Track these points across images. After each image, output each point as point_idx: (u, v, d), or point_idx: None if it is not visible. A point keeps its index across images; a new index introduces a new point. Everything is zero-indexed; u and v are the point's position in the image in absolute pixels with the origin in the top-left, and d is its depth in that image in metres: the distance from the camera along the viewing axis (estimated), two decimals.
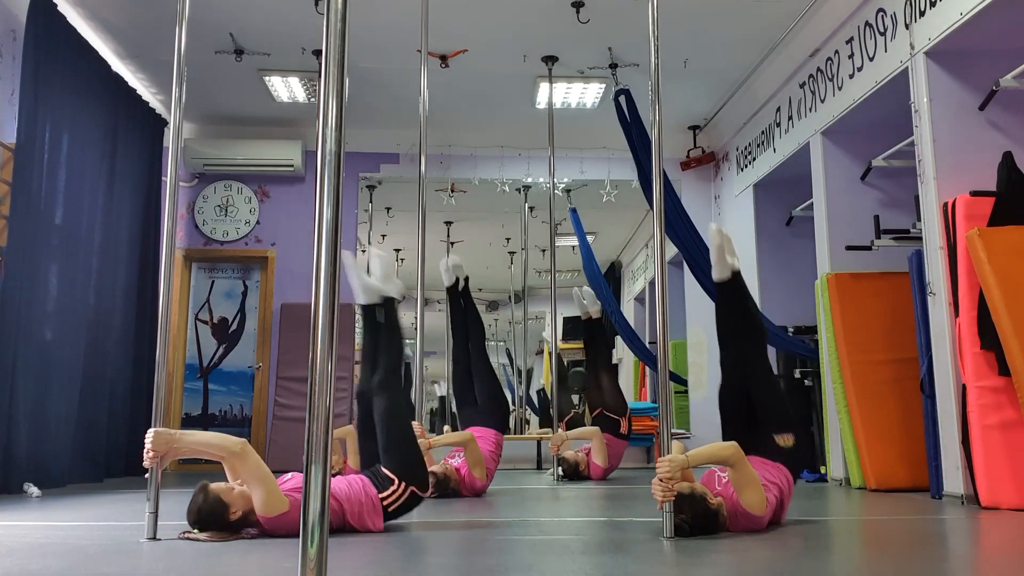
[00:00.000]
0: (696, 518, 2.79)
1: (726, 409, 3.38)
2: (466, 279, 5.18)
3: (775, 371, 6.25)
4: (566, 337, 11.55)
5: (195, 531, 2.74)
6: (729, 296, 3.41)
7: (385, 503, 3.01)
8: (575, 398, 9.70)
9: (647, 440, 7.30)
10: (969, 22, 4.02)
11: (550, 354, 8.79)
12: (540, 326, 13.26)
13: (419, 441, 4.30)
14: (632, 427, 6.28)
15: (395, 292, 3.40)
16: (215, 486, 2.77)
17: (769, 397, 3.28)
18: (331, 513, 2.84)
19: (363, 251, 8.99)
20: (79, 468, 5.26)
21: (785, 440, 3.18)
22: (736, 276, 3.39)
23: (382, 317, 3.32)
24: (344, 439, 5.61)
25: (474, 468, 4.54)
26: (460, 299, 5.17)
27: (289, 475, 2.93)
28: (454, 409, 5.41)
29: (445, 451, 4.85)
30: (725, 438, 3.32)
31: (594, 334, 6.43)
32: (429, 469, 4.44)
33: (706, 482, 3.02)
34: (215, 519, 2.72)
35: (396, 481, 3.04)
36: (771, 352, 6.33)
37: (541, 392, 10.43)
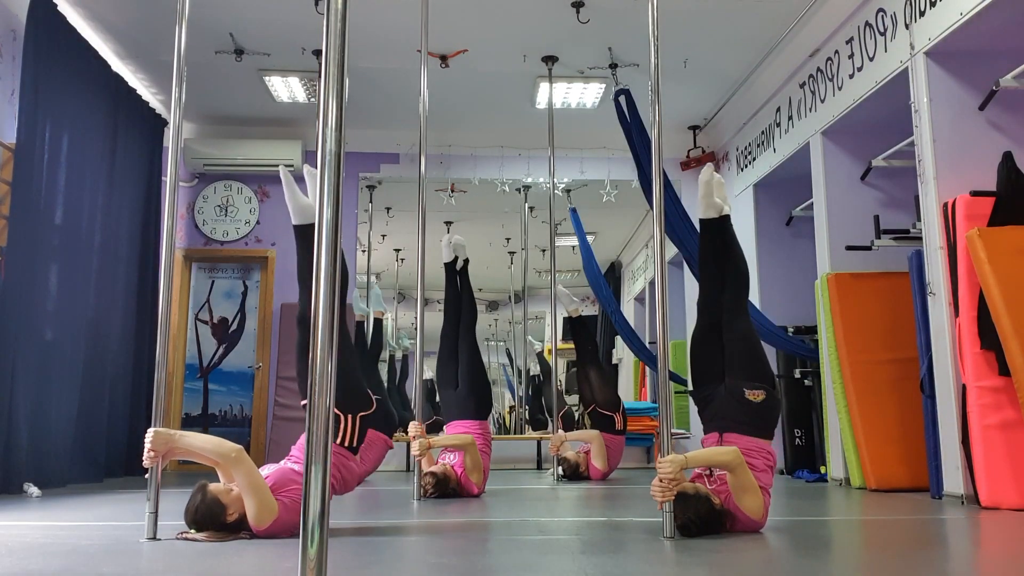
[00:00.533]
0: (701, 518, 2.80)
1: (697, 354, 3.28)
2: (466, 261, 5.12)
3: (776, 377, 6.26)
4: (565, 337, 11.55)
5: (192, 531, 2.73)
6: (713, 235, 3.33)
7: (345, 444, 3.02)
8: (572, 398, 9.68)
9: (647, 440, 7.30)
10: (969, 22, 4.02)
11: (549, 351, 8.79)
12: (540, 326, 13.26)
13: (419, 440, 4.33)
14: (627, 422, 6.25)
15: None
16: (213, 487, 2.76)
17: (743, 345, 3.16)
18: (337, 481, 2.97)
19: (363, 251, 8.99)
20: (79, 468, 5.26)
21: (755, 395, 3.05)
22: (724, 218, 3.32)
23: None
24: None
25: (472, 473, 4.53)
26: (457, 278, 5.11)
27: (266, 472, 2.88)
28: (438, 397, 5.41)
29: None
30: (694, 385, 3.27)
31: (578, 332, 6.39)
32: (428, 469, 4.46)
33: (696, 477, 3.02)
34: (212, 520, 2.71)
35: (341, 417, 3.02)
36: (771, 352, 6.34)
37: (537, 379, 10.24)
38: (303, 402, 3.15)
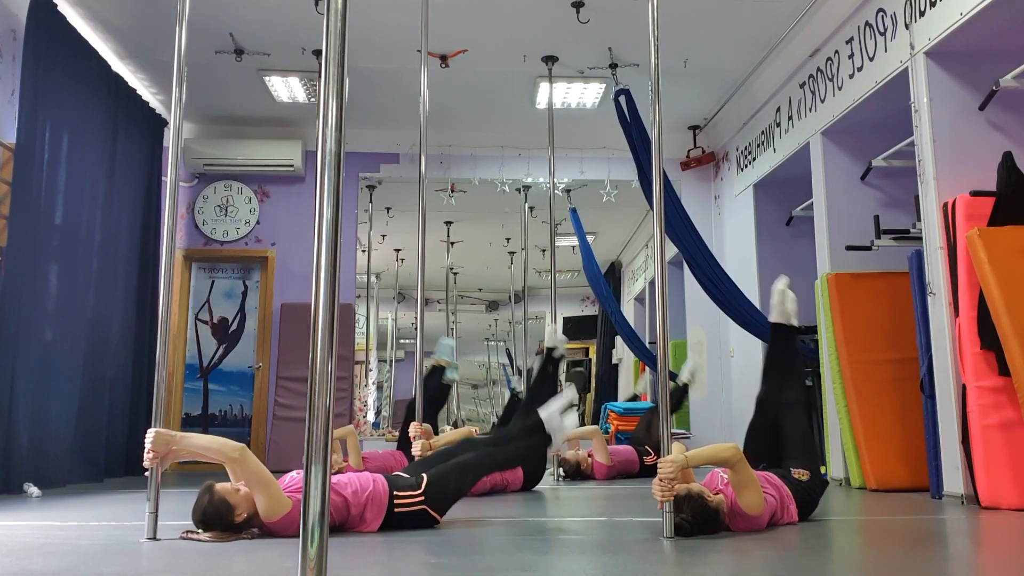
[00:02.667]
0: (696, 517, 2.80)
1: (753, 443, 3.52)
2: (561, 356, 5.27)
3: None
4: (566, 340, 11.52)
5: (198, 531, 2.74)
6: (781, 338, 3.67)
7: (397, 502, 3.00)
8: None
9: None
10: (969, 22, 4.02)
11: None
12: (540, 326, 13.26)
13: (421, 442, 4.33)
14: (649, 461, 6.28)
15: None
16: (221, 486, 2.76)
17: (799, 436, 3.43)
18: (334, 508, 2.85)
19: (363, 251, 8.99)
20: (79, 468, 5.26)
21: (800, 474, 3.29)
22: (792, 327, 3.67)
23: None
24: (344, 439, 5.61)
25: None
26: (550, 365, 5.23)
27: (292, 475, 2.93)
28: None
29: None
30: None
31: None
32: None
33: (708, 483, 3.02)
34: (220, 520, 2.72)
35: (419, 491, 3.04)
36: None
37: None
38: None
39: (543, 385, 5.23)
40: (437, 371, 5.83)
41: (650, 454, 6.10)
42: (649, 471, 6.08)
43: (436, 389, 5.73)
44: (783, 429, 3.45)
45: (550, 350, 5.23)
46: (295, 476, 2.92)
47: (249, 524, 2.77)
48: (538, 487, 5.12)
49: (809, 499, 3.26)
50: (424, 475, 3.12)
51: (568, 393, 3.57)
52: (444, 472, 3.19)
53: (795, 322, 3.69)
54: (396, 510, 3.00)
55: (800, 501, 3.19)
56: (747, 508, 2.87)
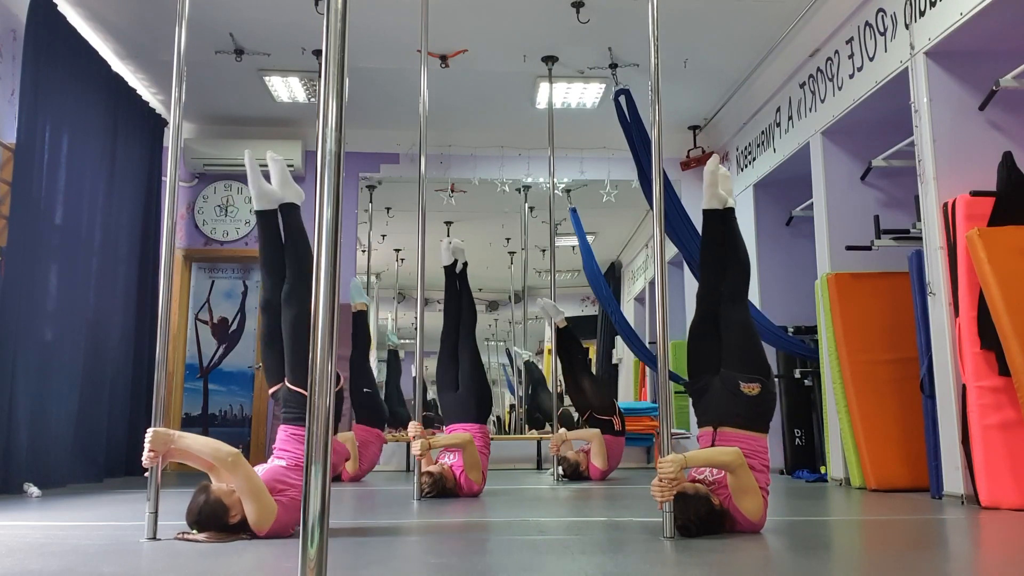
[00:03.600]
0: (701, 518, 2.79)
1: (694, 344, 3.26)
2: (464, 264, 5.12)
3: (773, 370, 6.25)
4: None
5: (193, 531, 2.73)
6: (716, 225, 3.32)
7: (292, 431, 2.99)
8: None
9: (647, 440, 7.30)
10: (969, 22, 4.02)
11: (550, 352, 8.78)
12: (540, 326, 13.26)
13: (420, 441, 4.33)
14: (625, 422, 6.26)
15: (294, 197, 3.26)
16: (216, 487, 2.76)
17: (739, 337, 3.14)
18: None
19: (363, 251, 8.99)
20: (79, 468, 5.26)
21: (751, 388, 3.03)
22: (727, 210, 3.33)
23: (283, 224, 3.21)
24: (344, 444, 5.61)
25: (471, 471, 4.54)
26: (456, 281, 5.11)
27: (258, 469, 2.87)
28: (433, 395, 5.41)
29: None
30: (689, 376, 3.25)
31: (564, 341, 6.37)
32: (425, 469, 4.46)
33: (693, 478, 3.01)
34: (215, 521, 2.71)
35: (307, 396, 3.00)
36: (771, 352, 6.34)
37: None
38: (271, 390, 3.14)
39: (460, 304, 5.12)
40: (360, 317, 5.94)
41: (611, 419, 6.05)
42: (624, 432, 6.13)
43: (360, 337, 5.83)
44: (723, 328, 3.17)
45: (448, 266, 5.12)
46: (259, 473, 2.85)
47: (244, 525, 2.76)
48: (538, 487, 5.12)
49: (762, 412, 3.05)
50: (299, 388, 3.02)
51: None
52: (304, 360, 2.95)
53: (732, 203, 3.35)
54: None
55: (754, 416, 3.02)
56: (748, 513, 2.86)
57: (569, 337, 6.36)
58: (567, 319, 6.36)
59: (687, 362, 3.31)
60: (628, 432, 6.53)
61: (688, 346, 3.33)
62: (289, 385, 3.01)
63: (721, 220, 3.32)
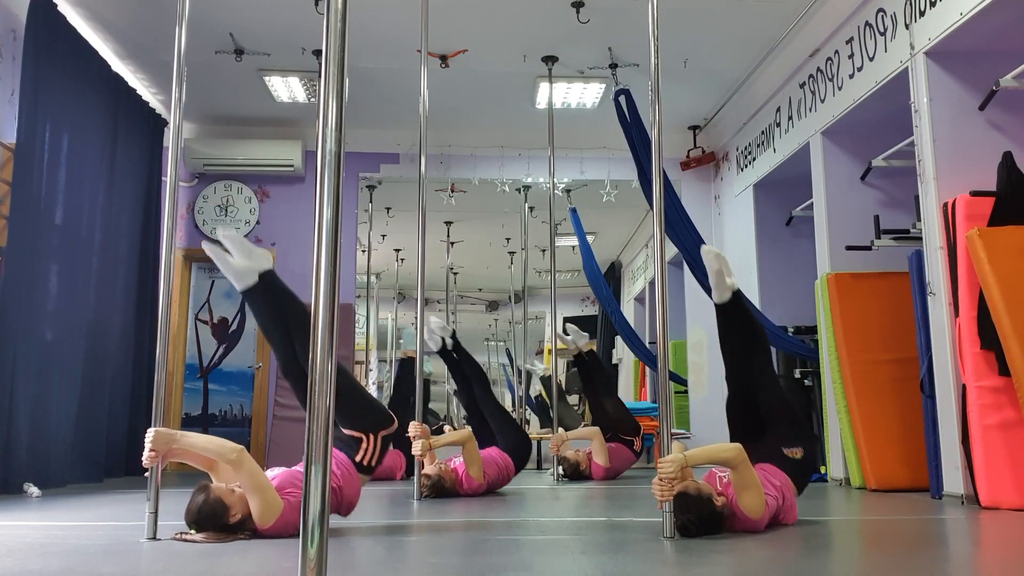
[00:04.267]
0: (702, 519, 2.79)
1: (735, 422, 3.41)
2: (453, 335, 5.22)
3: (776, 372, 6.26)
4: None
5: (192, 531, 2.73)
6: (731, 316, 3.41)
7: (364, 462, 3.01)
8: (575, 398, 9.67)
9: (647, 440, 7.29)
10: (969, 22, 4.02)
11: (550, 351, 8.78)
12: (540, 326, 13.27)
13: (421, 442, 4.33)
14: (642, 447, 6.31)
15: (266, 263, 3.19)
16: (216, 487, 2.76)
17: (776, 407, 3.30)
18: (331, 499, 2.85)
19: (363, 251, 8.99)
20: (79, 468, 5.26)
21: (794, 453, 3.20)
22: (736, 295, 3.40)
23: (271, 291, 3.17)
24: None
25: (471, 467, 4.54)
26: (452, 356, 5.22)
27: (271, 473, 2.90)
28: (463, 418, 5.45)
29: (447, 454, 4.85)
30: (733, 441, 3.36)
31: (588, 368, 6.39)
32: (423, 471, 4.45)
33: (707, 481, 3.02)
34: (215, 520, 2.71)
35: (364, 437, 3.02)
36: (771, 352, 6.33)
37: (539, 397, 10.41)
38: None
39: (471, 368, 5.23)
40: (407, 363, 5.90)
41: (634, 439, 6.09)
42: (642, 453, 6.14)
43: (407, 382, 5.80)
44: (760, 401, 3.31)
45: (442, 339, 5.19)
46: (275, 476, 2.88)
47: (243, 525, 2.75)
48: (538, 487, 5.13)
49: (803, 473, 3.22)
50: (350, 432, 3.07)
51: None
52: (344, 406, 3.08)
53: (736, 284, 3.41)
54: (372, 464, 3.03)
55: (797, 480, 3.17)
56: (748, 511, 2.86)
57: (593, 360, 6.40)
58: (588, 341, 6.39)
59: (729, 434, 3.42)
60: None
61: (728, 422, 3.45)
62: (345, 431, 3.08)
63: (735, 307, 3.40)
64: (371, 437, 3.03)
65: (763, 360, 3.40)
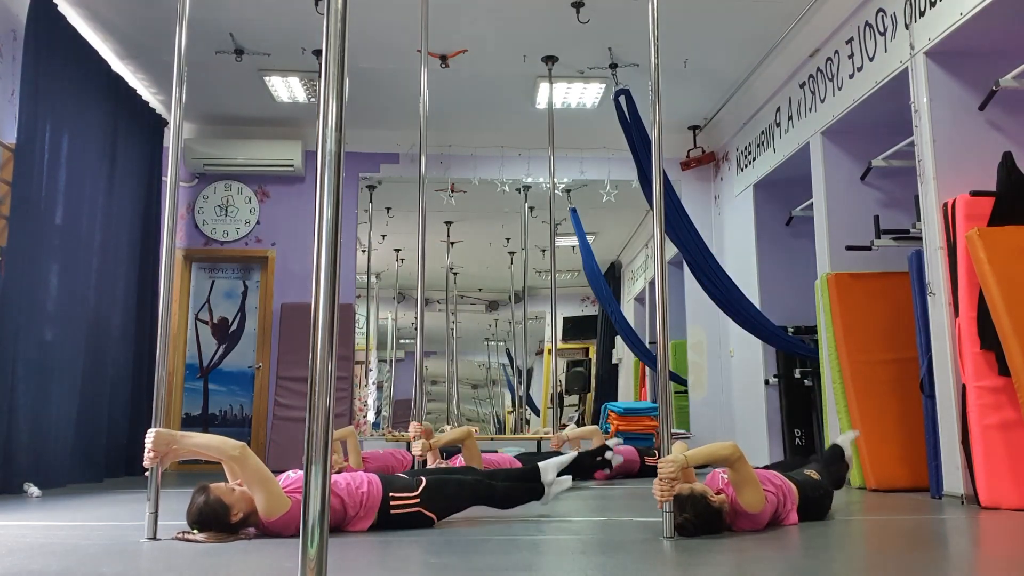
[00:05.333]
0: (699, 517, 2.79)
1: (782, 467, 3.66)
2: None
3: (776, 371, 6.27)
4: (566, 337, 11.50)
5: (193, 531, 2.73)
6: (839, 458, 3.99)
7: (393, 502, 3.00)
8: (574, 398, 9.67)
9: (647, 440, 7.29)
10: (969, 22, 4.02)
11: (550, 352, 8.78)
12: (540, 326, 13.26)
13: (421, 441, 4.33)
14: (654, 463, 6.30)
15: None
16: (216, 487, 2.76)
17: (820, 467, 3.57)
18: (332, 511, 2.84)
19: (363, 251, 8.99)
20: (79, 468, 5.26)
21: (811, 474, 3.37)
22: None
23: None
24: (344, 440, 5.60)
25: (471, 463, 4.54)
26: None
27: (289, 475, 2.92)
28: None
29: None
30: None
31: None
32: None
33: (710, 483, 3.02)
34: (216, 520, 2.71)
35: (415, 492, 3.06)
36: (771, 352, 6.34)
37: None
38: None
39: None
40: None
41: (652, 455, 6.10)
42: (649, 472, 6.08)
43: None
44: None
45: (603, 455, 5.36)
46: (292, 476, 2.91)
47: (245, 524, 2.76)
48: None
49: (816, 497, 3.26)
50: (423, 478, 3.13)
51: (567, 457, 3.59)
52: (443, 479, 3.21)
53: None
54: (392, 511, 3.00)
55: (805, 497, 3.19)
56: (747, 506, 2.86)
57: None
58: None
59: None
60: (628, 432, 6.53)
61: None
62: (416, 478, 3.19)
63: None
64: (416, 499, 3.07)
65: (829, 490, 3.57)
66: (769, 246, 6.67)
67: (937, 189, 4.23)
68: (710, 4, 5.42)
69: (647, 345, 8.31)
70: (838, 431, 5.07)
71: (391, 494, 3.00)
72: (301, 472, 2.91)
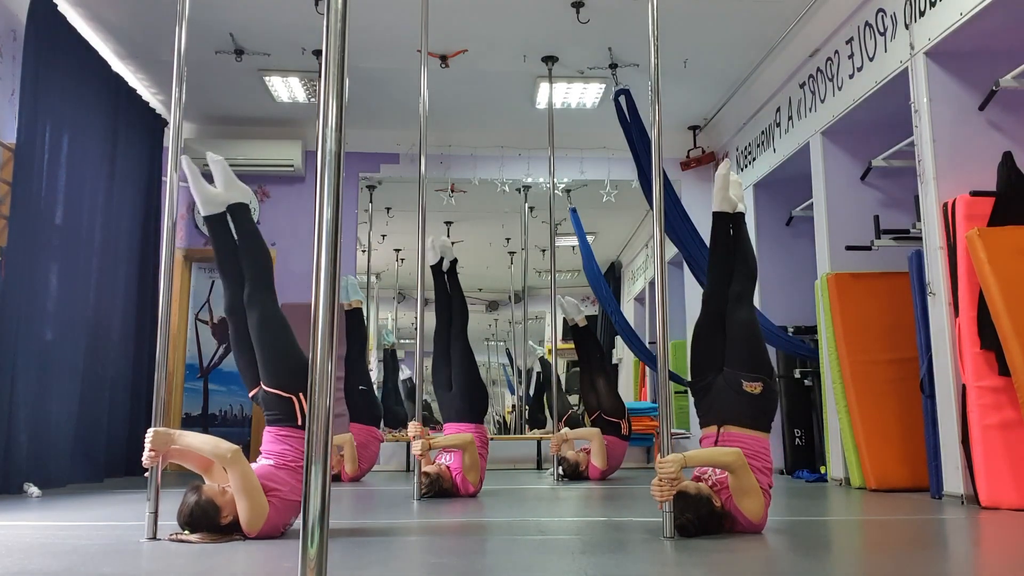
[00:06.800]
0: (701, 519, 2.79)
1: (698, 344, 3.29)
2: (453, 261, 5.10)
3: (775, 370, 6.26)
4: (566, 338, 11.46)
5: (185, 532, 2.72)
6: (724, 228, 3.39)
7: (302, 425, 2.85)
8: (574, 398, 9.65)
9: (647, 440, 7.30)
10: (969, 22, 4.02)
11: (549, 350, 8.79)
12: (540, 326, 13.26)
13: (420, 441, 4.33)
14: (632, 427, 6.26)
15: (241, 197, 3.15)
16: (207, 487, 2.75)
17: (744, 333, 3.17)
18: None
19: (363, 251, 8.99)
20: (79, 468, 5.26)
21: (753, 387, 3.06)
22: (737, 215, 3.40)
23: (234, 226, 3.12)
24: (341, 446, 5.60)
25: (468, 472, 4.53)
26: (445, 279, 5.08)
27: (255, 465, 2.85)
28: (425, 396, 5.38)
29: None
30: (692, 375, 3.28)
31: (583, 339, 6.41)
32: (423, 470, 4.45)
33: (697, 477, 3.01)
34: (207, 521, 2.70)
35: (292, 398, 2.89)
36: (771, 352, 6.33)
37: (538, 378, 10.26)
38: (250, 393, 3.09)
39: (447, 301, 5.12)
40: (355, 316, 5.91)
41: (620, 423, 6.06)
42: (630, 437, 6.13)
43: (357, 336, 5.79)
44: (728, 327, 3.20)
45: (436, 264, 5.12)
46: (256, 467, 2.83)
47: (236, 526, 2.75)
48: (538, 487, 5.12)
49: (764, 410, 3.06)
50: (277, 392, 2.92)
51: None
52: (276, 359, 2.96)
53: (741, 208, 3.41)
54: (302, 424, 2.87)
55: (756, 415, 3.03)
56: (749, 514, 2.86)
57: (588, 335, 6.40)
58: (586, 317, 6.40)
59: (690, 361, 3.34)
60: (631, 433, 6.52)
61: (691, 346, 3.36)
62: (265, 388, 2.95)
63: (730, 224, 3.38)
64: (300, 396, 2.88)
65: (742, 287, 3.28)
66: (769, 246, 6.67)
67: (937, 189, 4.23)
68: (710, 4, 5.42)
69: (647, 345, 8.30)
70: (838, 431, 5.07)
71: (289, 426, 2.89)
72: (256, 466, 2.84)
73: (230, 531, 2.74)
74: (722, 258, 3.35)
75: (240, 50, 6.06)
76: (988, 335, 3.82)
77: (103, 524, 3.28)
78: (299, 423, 2.89)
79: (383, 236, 10.21)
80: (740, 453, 2.84)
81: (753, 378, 3.07)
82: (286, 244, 7.39)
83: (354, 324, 6.11)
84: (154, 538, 2.75)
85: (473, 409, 4.81)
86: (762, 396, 3.06)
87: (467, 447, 4.53)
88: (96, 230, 5.62)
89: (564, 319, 6.49)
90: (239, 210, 3.16)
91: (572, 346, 6.70)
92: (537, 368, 10.15)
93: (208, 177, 3.23)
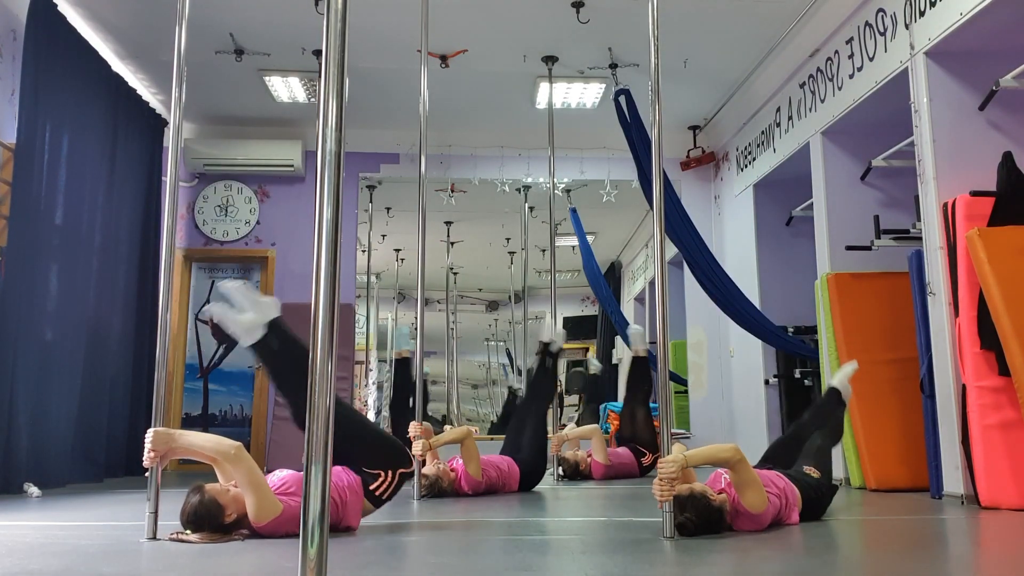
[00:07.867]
0: (699, 517, 2.79)
1: (774, 452, 3.66)
2: (560, 349, 5.43)
3: (776, 371, 6.28)
4: (566, 337, 11.45)
5: (187, 532, 2.72)
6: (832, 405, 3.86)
7: (377, 492, 3.04)
8: (575, 398, 9.67)
9: None
10: (969, 22, 4.01)
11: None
12: (540, 326, 13.24)
13: (421, 441, 4.33)
14: (655, 464, 6.31)
15: (273, 310, 3.01)
16: (210, 487, 2.75)
17: (816, 445, 3.56)
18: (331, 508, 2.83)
19: (363, 251, 8.99)
20: (79, 468, 5.26)
21: (811, 471, 3.35)
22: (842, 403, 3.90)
23: (276, 343, 2.97)
24: None
25: (469, 464, 4.54)
26: (548, 359, 5.35)
27: (273, 477, 2.89)
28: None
29: (450, 452, 4.84)
30: (764, 459, 3.59)
31: (637, 369, 6.50)
32: (422, 471, 4.45)
33: (712, 483, 3.02)
34: (210, 520, 2.71)
35: (383, 472, 3.06)
36: (771, 352, 6.34)
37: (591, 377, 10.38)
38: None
39: (543, 381, 5.29)
40: (402, 364, 5.87)
41: (646, 454, 6.10)
42: (649, 471, 6.09)
43: (403, 385, 5.79)
44: (804, 440, 3.60)
45: (546, 344, 5.27)
46: (284, 477, 2.88)
47: (239, 525, 2.75)
48: (538, 487, 5.13)
49: (816, 497, 3.25)
50: (369, 470, 3.07)
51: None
52: (361, 446, 3.10)
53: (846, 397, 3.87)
54: (384, 496, 3.07)
55: (807, 499, 3.18)
56: (750, 507, 2.86)
57: (643, 367, 6.48)
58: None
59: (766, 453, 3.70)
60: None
61: (771, 447, 3.79)
62: (364, 469, 3.11)
63: (838, 401, 3.87)
64: (390, 473, 3.07)
65: (829, 438, 3.70)
66: (769, 246, 6.67)
67: (937, 189, 4.23)
68: (710, 4, 5.42)
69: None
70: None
71: (371, 486, 3.03)
72: (287, 472, 2.92)
73: (232, 530, 2.75)
74: (821, 418, 3.82)
75: (240, 50, 6.06)
76: (988, 335, 3.82)
77: (103, 524, 3.28)
78: (374, 487, 3.06)
79: (383, 236, 10.22)
80: (737, 447, 2.87)
81: (813, 466, 3.42)
82: (286, 244, 7.39)
83: (401, 373, 6.01)
84: (154, 538, 2.75)
85: (527, 470, 4.96)
86: (818, 481, 3.34)
87: (465, 438, 4.54)
88: (96, 230, 5.63)
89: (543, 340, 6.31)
90: (277, 325, 3.00)
91: (574, 345, 6.73)
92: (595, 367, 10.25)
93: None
